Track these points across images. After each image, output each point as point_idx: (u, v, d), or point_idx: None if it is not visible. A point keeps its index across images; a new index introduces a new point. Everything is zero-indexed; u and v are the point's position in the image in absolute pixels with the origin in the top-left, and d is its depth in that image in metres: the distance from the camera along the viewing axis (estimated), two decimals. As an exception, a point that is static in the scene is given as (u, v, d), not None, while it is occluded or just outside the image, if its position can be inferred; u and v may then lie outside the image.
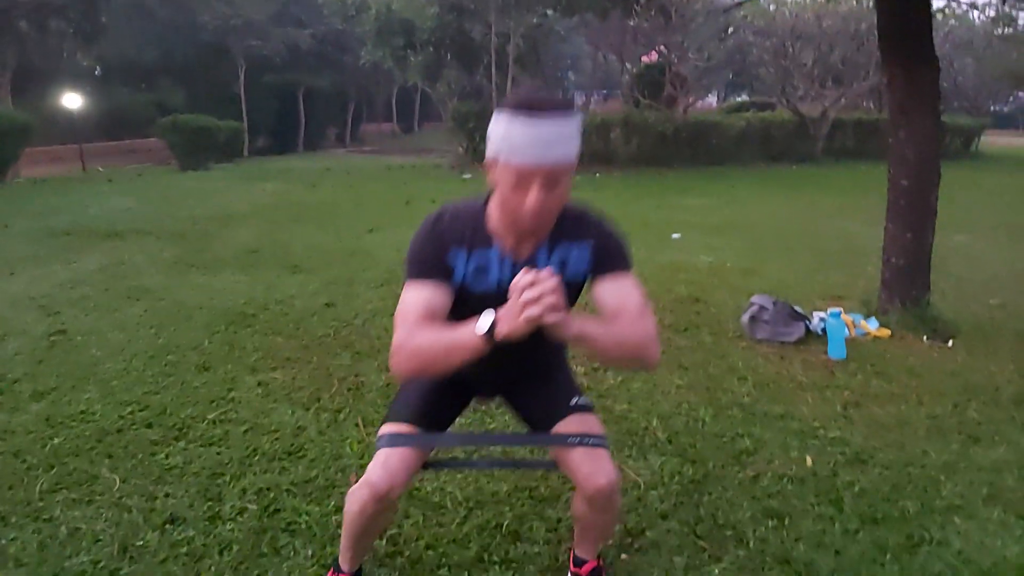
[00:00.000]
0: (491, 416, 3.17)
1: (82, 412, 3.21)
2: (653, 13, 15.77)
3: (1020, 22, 16.42)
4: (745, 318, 4.40)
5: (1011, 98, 35.14)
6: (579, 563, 2.06)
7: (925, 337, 4.33)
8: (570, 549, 2.13)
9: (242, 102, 22.23)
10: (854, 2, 16.92)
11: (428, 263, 1.62)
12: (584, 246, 1.67)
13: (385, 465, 1.72)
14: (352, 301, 5.07)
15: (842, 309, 4.58)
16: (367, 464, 2.64)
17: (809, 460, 2.86)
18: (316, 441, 2.95)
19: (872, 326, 4.46)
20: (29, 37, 16.57)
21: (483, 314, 1.43)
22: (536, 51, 18.21)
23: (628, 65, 19.95)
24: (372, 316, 4.70)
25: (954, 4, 19.92)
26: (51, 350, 4.02)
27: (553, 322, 1.36)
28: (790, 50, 17.51)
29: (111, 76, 22.86)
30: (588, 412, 1.85)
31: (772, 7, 19.19)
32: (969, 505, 2.54)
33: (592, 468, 1.72)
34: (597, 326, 1.51)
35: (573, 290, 1.68)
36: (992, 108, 30.67)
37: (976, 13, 21.59)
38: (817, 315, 4.47)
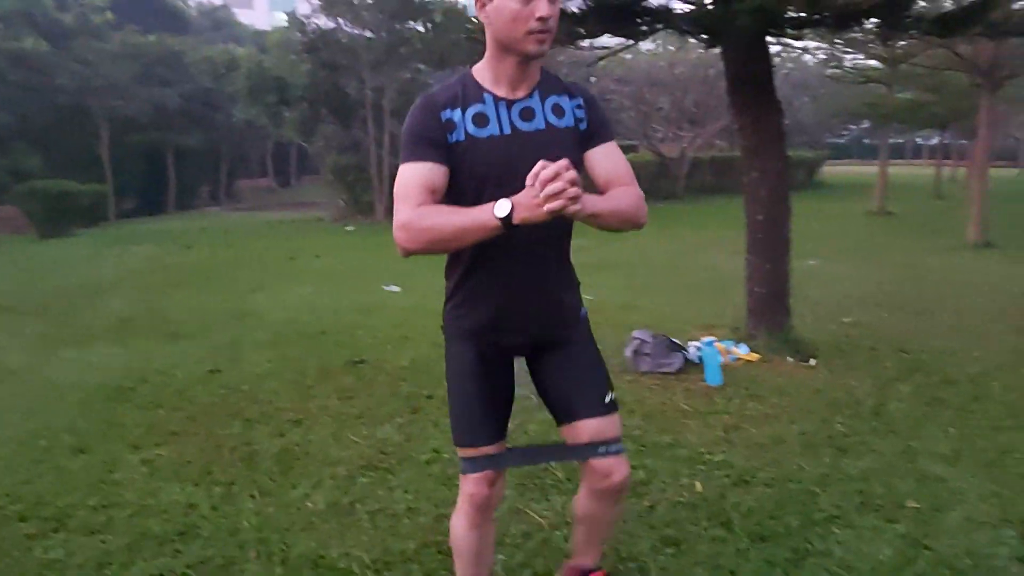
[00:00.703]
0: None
1: (-56, 512, 2.96)
2: (522, 65, 16.38)
3: (847, 63, 18.18)
4: (628, 352, 4.61)
5: (845, 131, 38.65)
6: (585, 574, 2.11)
7: (790, 358, 4.69)
8: (567, 566, 2.17)
9: (106, 164, 21.18)
10: (701, 50, 18.24)
11: (425, 136, 1.65)
12: (575, 99, 1.77)
13: (478, 479, 1.82)
14: (239, 366, 4.93)
15: (715, 337, 4.89)
16: (266, 538, 2.64)
17: (699, 485, 3.03)
18: (210, 518, 2.84)
19: (743, 351, 4.79)
20: None
21: (499, 202, 1.48)
22: (411, 103, 18.40)
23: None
24: (261, 380, 4.59)
25: (789, 48, 21.84)
26: (-99, 447, 3.68)
27: (573, 212, 1.46)
28: (647, 96, 18.64)
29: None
30: (614, 411, 1.89)
31: (629, 56, 20.39)
32: (845, 515, 2.76)
33: (610, 465, 1.84)
34: (603, 202, 1.61)
35: (570, 137, 1.74)
36: (829, 141, 33.62)
37: (808, 56, 23.78)
38: (693, 345, 4.75)
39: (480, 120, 1.68)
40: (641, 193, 1.73)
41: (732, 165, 19.81)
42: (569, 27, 4.93)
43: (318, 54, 16.52)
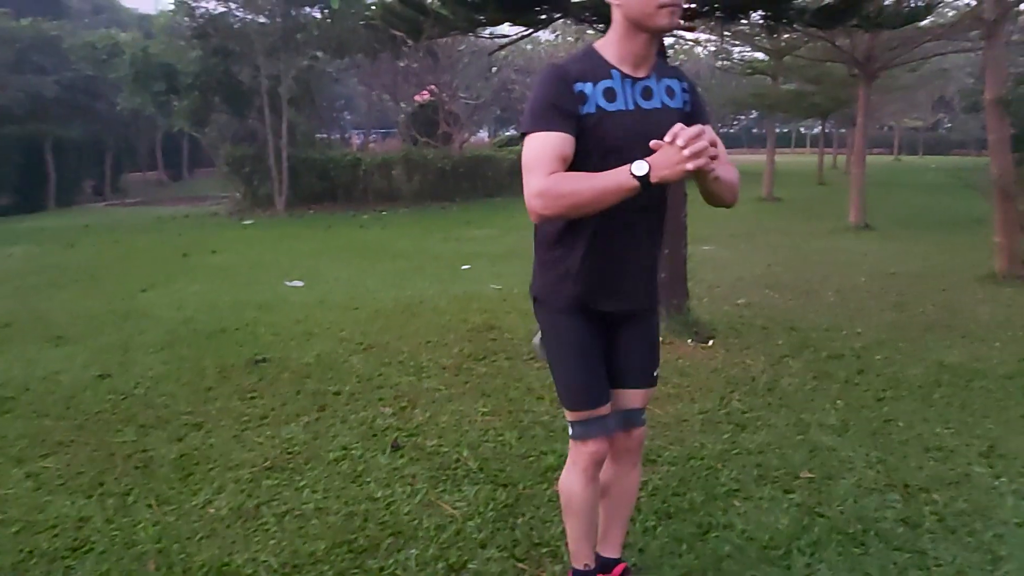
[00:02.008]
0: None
1: None
2: (422, 54, 16.23)
3: (735, 55, 18.94)
4: (536, 340, 4.64)
5: (735, 121, 40.36)
6: (607, 567, 2.16)
7: (689, 340, 4.86)
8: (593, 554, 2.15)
9: (-26, 158, 19.62)
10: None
11: (557, 105, 1.72)
12: (684, 84, 1.90)
13: (598, 439, 1.94)
14: (130, 369, 4.68)
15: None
16: (165, 548, 2.53)
17: (607, 467, 3.10)
18: (104, 531, 2.69)
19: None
20: None
21: (636, 163, 1.58)
22: (310, 92, 17.95)
23: (402, 104, 20.30)
24: (155, 383, 4.37)
25: (681, 40, 22.54)
26: None
27: (710, 170, 1.57)
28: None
29: None
30: (656, 384, 2.09)
31: (529, 47, 20.54)
32: (745, 488, 2.89)
33: (634, 419, 2.05)
34: (722, 171, 1.70)
35: (682, 117, 1.80)
36: (721, 130, 35.02)
37: (700, 48, 24.63)
38: (600, 331, 4.85)
39: (610, 95, 1.78)
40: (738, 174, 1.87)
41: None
42: (469, 14, 4.92)
43: (208, 40, 15.83)
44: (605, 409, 1.96)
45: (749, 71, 18.61)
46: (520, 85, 19.29)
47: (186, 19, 16.02)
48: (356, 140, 30.83)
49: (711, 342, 4.85)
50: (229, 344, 5.23)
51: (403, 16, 5.42)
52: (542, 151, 1.70)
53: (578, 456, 1.98)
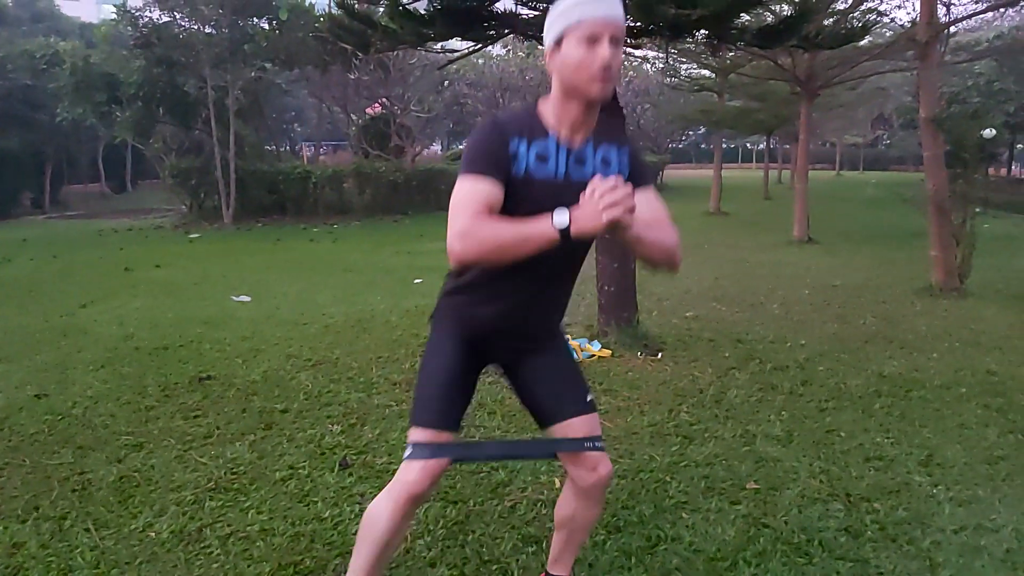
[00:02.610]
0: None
1: None
2: (373, 67, 16.17)
3: (683, 72, 19.36)
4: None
5: (683, 136, 41.17)
6: None
7: (639, 353, 4.92)
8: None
9: (-99, 168, 18.81)
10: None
11: (489, 156, 1.72)
12: (623, 151, 1.87)
13: (424, 468, 1.81)
14: (68, 388, 4.51)
15: (569, 335, 5.04)
16: (103, 574, 2.44)
17: (557, 482, 3.11)
18: (39, 557, 2.58)
19: (595, 348, 4.97)
20: None
21: (557, 211, 1.56)
22: (258, 104, 17.71)
23: (354, 117, 20.18)
24: (94, 403, 4.23)
25: (630, 57, 22.95)
26: None
27: (627, 223, 1.54)
28: (500, 100, 18.96)
29: None
30: (594, 410, 2.01)
31: (481, 61, 20.66)
32: (692, 500, 2.93)
33: (596, 459, 1.96)
34: (648, 231, 1.69)
35: None
36: (670, 145, 35.70)
37: (648, 65, 25.11)
38: (551, 345, 4.87)
39: (541, 159, 1.78)
40: (679, 237, 1.83)
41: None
42: (417, 29, 4.92)
43: (152, 49, 15.48)
44: (446, 436, 1.88)
45: (696, 88, 19.04)
46: (472, 99, 19.38)
47: (129, 28, 15.66)
48: (306, 152, 30.50)
49: (660, 355, 4.92)
50: (172, 361, 5.10)
51: (351, 30, 5.40)
52: (470, 196, 1.68)
53: (396, 484, 1.86)
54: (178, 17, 15.67)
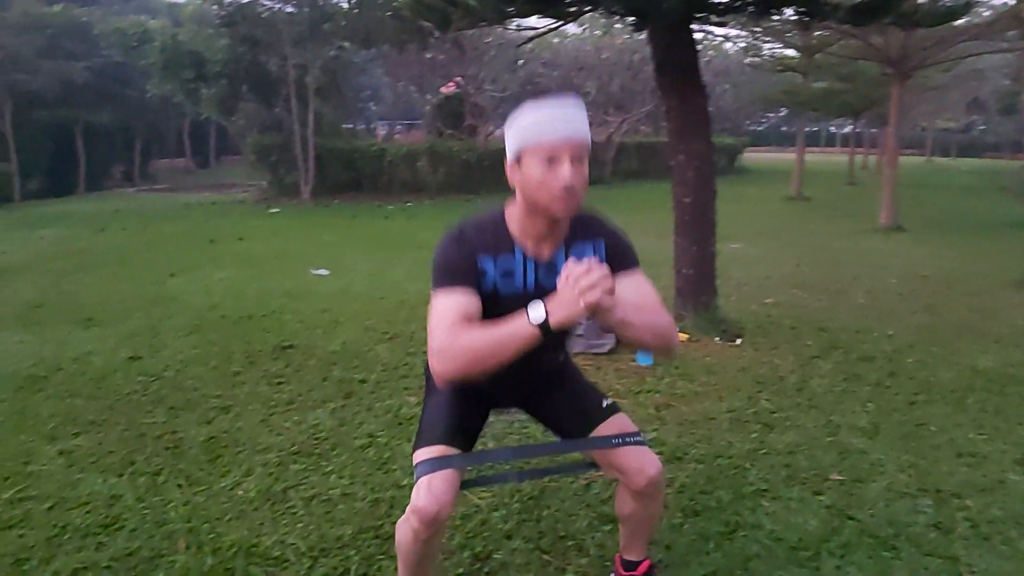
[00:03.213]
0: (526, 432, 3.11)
1: None
2: (448, 46, 16.21)
3: (765, 51, 18.76)
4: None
5: (763, 119, 39.95)
6: (631, 566, 2.15)
7: (717, 338, 4.82)
8: (616, 556, 2.22)
9: (9, 142, 19.89)
10: (627, 36, 18.46)
11: (459, 270, 1.69)
12: (598, 244, 1.82)
13: (429, 489, 1.74)
14: (160, 352, 4.73)
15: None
16: (195, 527, 2.55)
17: (632, 462, 3.09)
18: (135, 509, 2.73)
19: (674, 332, 4.88)
20: None
21: (531, 306, 1.52)
22: (336, 82, 18.01)
23: (428, 96, 20.35)
24: (184, 366, 4.42)
25: (711, 36, 22.38)
26: None
27: (608, 305, 1.47)
28: (575, 80, 18.75)
29: None
30: (619, 412, 1.97)
31: (556, 40, 20.46)
32: (773, 488, 2.86)
33: (640, 462, 1.88)
34: (636, 314, 1.61)
35: None
36: (749, 127, 34.69)
37: (729, 44, 24.42)
38: (626, 326, 4.82)
39: (508, 276, 1.75)
40: (672, 319, 1.75)
41: (657, 150, 20.17)
42: (498, 6, 4.89)
43: (236, 28, 15.90)
44: (443, 450, 1.83)
45: (779, 68, 18.38)
46: (547, 78, 19.22)
47: (214, 7, 16.12)
48: (381, 131, 30.92)
49: (739, 341, 4.81)
50: (256, 330, 5.28)
51: (432, 7, 5.40)
52: (443, 311, 1.64)
53: (408, 510, 1.78)
54: (261, -4, 16.04)
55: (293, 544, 2.47)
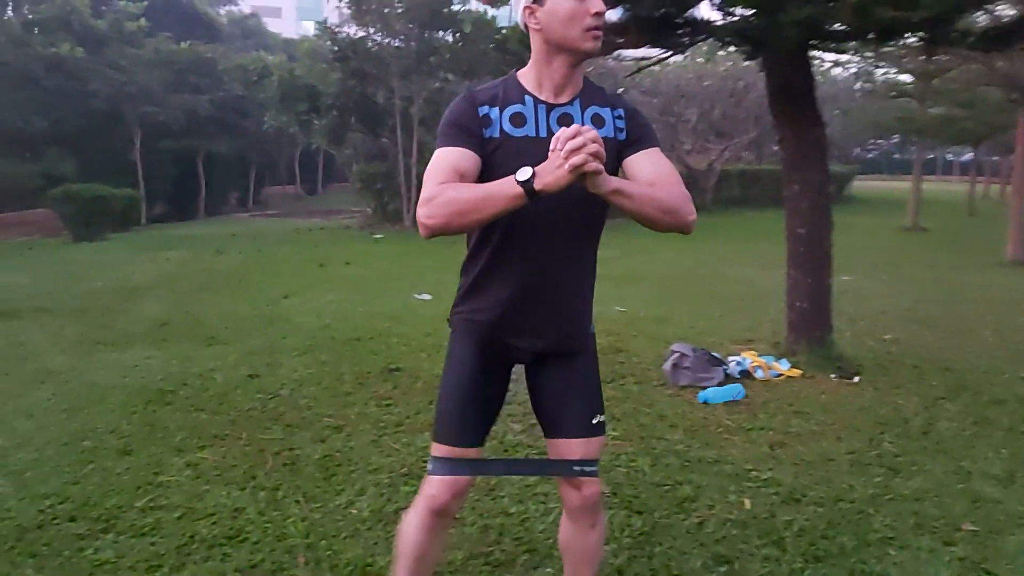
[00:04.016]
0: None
1: (-6, 510, 2.99)
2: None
3: (879, 77, 18.04)
4: (667, 366, 4.57)
5: (873, 146, 38.29)
6: None
7: (833, 375, 4.61)
8: None
9: (138, 169, 21.48)
10: (730, 63, 18.16)
11: (459, 126, 1.66)
12: (617, 112, 1.74)
13: (443, 483, 1.78)
14: (276, 371, 4.94)
15: (754, 351, 4.83)
16: (313, 544, 2.64)
17: (747, 503, 2.99)
18: (257, 522, 2.84)
19: (784, 367, 4.72)
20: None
21: (521, 169, 1.47)
22: (439, 113, 18.51)
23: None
24: (299, 385, 4.60)
25: (818, 62, 21.71)
26: (-51, 445, 3.73)
27: (595, 170, 1.42)
28: (675, 108, 18.57)
29: (-8, 147, 21.59)
30: (601, 433, 1.87)
31: (656, 68, 20.35)
32: (900, 536, 2.70)
33: (583, 480, 1.82)
34: (635, 187, 1.58)
35: (610, 151, 1.65)
36: (858, 155, 33.32)
37: (839, 70, 23.62)
38: (733, 359, 4.69)
39: (517, 120, 1.69)
40: (687, 193, 1.67)
41: (760, 178, 19.69)
42: (609, 38, 4.93)
43: (348, 63, 16.66)
44: (468, 452, 1.81)
45: (893, 94, 17.64)
46: (646, 107, 19.12)
47: (329, 43, 16.94)
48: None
49: (856, 378, 4.59)
50: (364, 352, 5.44)
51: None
52: (436, 165, 1.62)
53: (420, 497, 1.84)
54: (371, 32, 16.75)
55: (406, 566, 2.50)
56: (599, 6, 1.61)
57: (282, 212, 24.38)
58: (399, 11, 15.88)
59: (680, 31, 4.85)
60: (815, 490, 3.07)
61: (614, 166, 1.70)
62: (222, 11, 36.12)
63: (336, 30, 16.86)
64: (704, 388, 4.33)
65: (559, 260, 1.75)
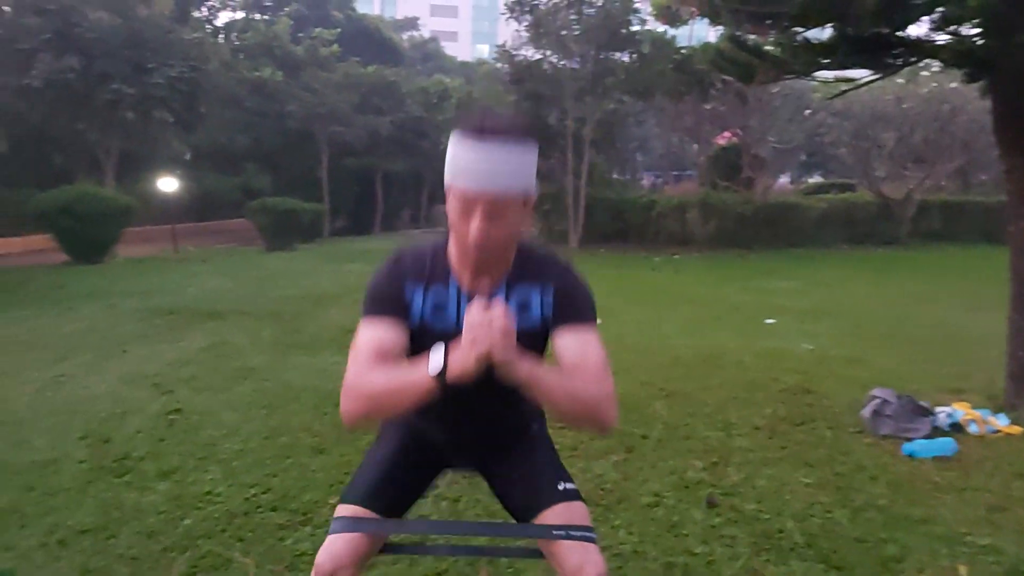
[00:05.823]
0: (463, 502, 3.08)
1: (207, 493, 3.26)
2: (730, 96, 15.95)
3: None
4: (866, 412, 4.21)
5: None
6: None
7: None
8: None
9: (324, 185, 23.20)
10: (934, 84, 16.73)
11: (384, 300, 1.58)
12: (547, 291, 1.59)
13: (329, 550, 1.60)
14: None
15: (967, 403, 4.35)
16: (494, 560, 2.63)
17: (963, 570, 2.67)
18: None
19: (1002, 422, 4.20)
20: (134, 126, 17.75)
21: (432, 352, 1.39)
22: (611, 134, 18.55)
23: (695, 146, 20.09)
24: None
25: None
26: (170, 429, 4.13)
27: (502, 359, 1.32)
28: (869, 132, 17.33)
29: (201, 161, 24.15)
30: (575, 499, 1.71)
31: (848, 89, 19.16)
32: None
33: (581, 560, 1.57)
34: (551, 373, 1.43)
35: (536, 338, 1.58)
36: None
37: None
38: (942, 410, 4.24)
39: (438, 311, 1.59)
40: (611, 389, 1.49)
41: (965, 211, 17.91)
42: (813, 59, 4.67)
43: (523, 85, 17.09)
44: (364, 512, 1.66)
45: None
46: (837, 129, 18.01)
47: (505, 66, 17.49)
48: (646, 181, 31.22)
49: (1094, 442, 4.00)
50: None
51: (737, 61, 5.31)
52: (359, 346, 1.52)
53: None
54: (548, 55, 17.10)
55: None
56: (474, 237, 1.45)
57: (451, 229, 25.32)
58: (576, 33, 16.11)
59: (893, 52, 4.50)
60: (1054, 572, 2.69)
61: (542, 349, 1.61)
62: (405, 36, 38.43)
63: (514, 53, 17.38)
64: (909, 439, 3.94)
65: (485, 414, 1.72)
